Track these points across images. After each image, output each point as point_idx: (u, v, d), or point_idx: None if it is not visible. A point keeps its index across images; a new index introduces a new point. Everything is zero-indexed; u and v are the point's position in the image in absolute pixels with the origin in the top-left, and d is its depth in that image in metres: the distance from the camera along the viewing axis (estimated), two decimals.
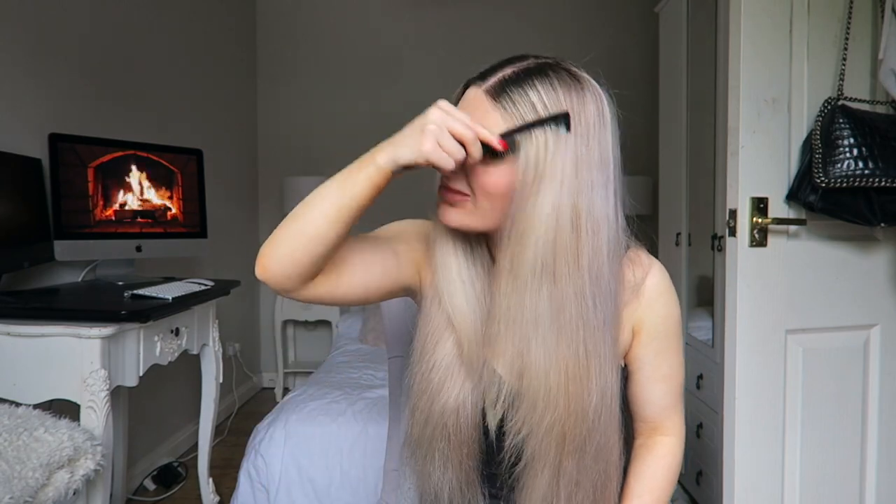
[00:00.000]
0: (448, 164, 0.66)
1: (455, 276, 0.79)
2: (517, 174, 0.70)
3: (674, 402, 0.89)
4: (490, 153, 0.70)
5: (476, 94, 0.73)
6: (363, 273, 0.77)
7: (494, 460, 0.81)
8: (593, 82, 0.74)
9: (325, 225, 0.68)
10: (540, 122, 0.69)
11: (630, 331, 0.84)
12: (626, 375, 0.86)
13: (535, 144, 0.69)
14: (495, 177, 0.71)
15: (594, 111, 0.72)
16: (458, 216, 0.75)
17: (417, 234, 0.85)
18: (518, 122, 0.69)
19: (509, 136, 0.69)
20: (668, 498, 0.88)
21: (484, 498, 0.82)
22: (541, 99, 0.70)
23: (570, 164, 0.69)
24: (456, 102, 0.77)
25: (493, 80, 0.72)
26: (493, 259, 0.81)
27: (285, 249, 0.69)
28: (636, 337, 0.84)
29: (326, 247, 0.69)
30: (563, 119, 0.69)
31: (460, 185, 0.74)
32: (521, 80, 0.71)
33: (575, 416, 0.73)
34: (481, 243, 0.81)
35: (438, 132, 0.65)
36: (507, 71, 0.72)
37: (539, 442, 0.74)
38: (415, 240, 0.84)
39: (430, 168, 0.69)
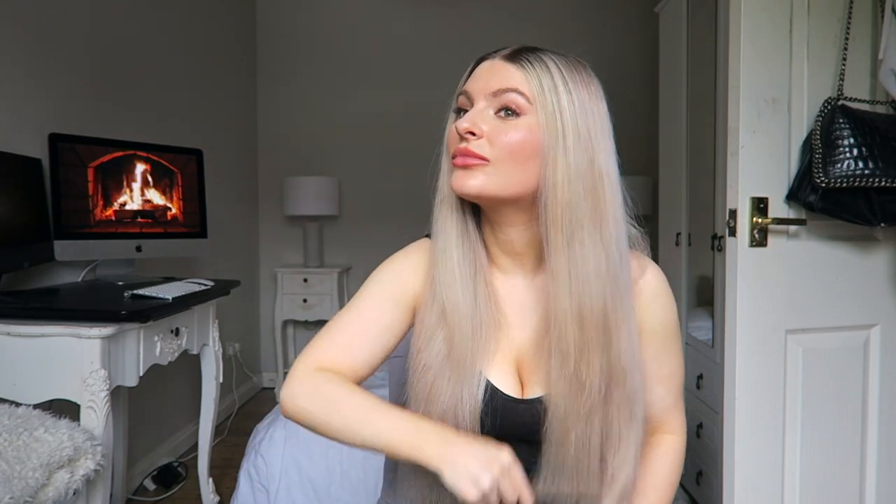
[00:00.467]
0: None
1: (454, 267, 0.79)
2: (541, 132, 0.72)
3: (675, 400, 0.89)
4: (507, 113, 0.73)
5: (492, 63, 0.76)
6: (380, 359, 0.82)
7: None
8: (597, 82, 0.77)
9: (355, 446, 0.71)
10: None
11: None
12: None
13: (557, 102, 0.72)
14: (520, 135, 0.72)
15: (598, 92, 0.76)
16: (477, 181, 0.73)
17: (403, 282, 0.84)
18: (536, 82, 0.72)
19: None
20: (672, 495, 0.87)
21: None
22: (555, 64, 0.73)
23: (591, 125, 0.73)
24: (466, 79, 0.78)
25: (506, 51, 0.76)
26: (488, 255, 0.83)
27: (316, 430, 0.74)
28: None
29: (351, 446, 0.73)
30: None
31: (480, 149, 0.73)
32: (534, 49, 0.75)
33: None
34: (478, 239, 0.82)
35: (489, 491, 0.64)
36: (505, 52, 0.76)
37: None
38: (402, 293, 0.83)
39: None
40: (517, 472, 0.67)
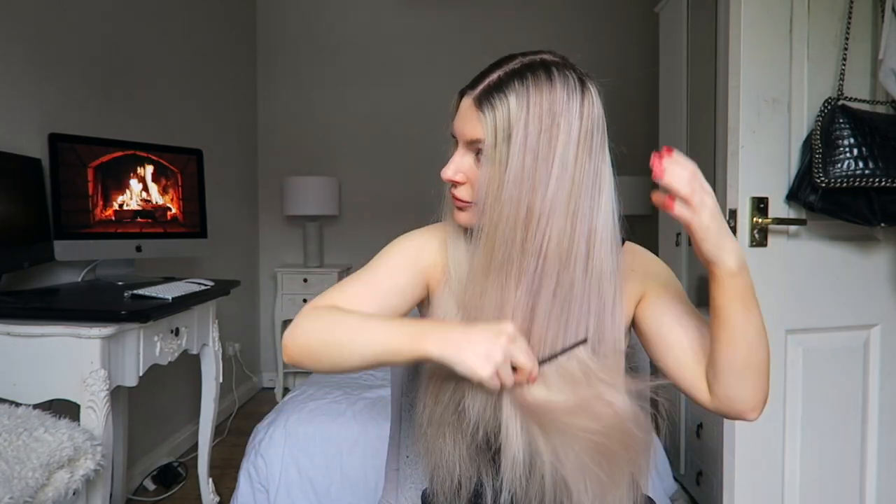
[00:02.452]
0: (496, 389, 0.68)
1: (465, 260, 0.82)
2: (483, 174, 0.75)
3: None
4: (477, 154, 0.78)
5: (467, 105, 0.78)
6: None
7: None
8: (572, 78, 0.75)
9: (360, 366, 0.73)
10: (563, 350, 0.75)
11: (634, 301, 0.87)
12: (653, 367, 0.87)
13: (504, 154, 0.74)
14: (479, 179, 0.77)
15: (565, 106, 0.74)
16: (466, 217, 0.82)
17: (419, 249, 0.87)
18: (491, 134, 0.75)
19: (544, 362, 0.74)
20: (758, 340, 0.79)
21: (492, 466, 0.83)
22: (517, 102, 0.73)
23: (528, 160, 0.73)
24: (454, 113, 0.82)
25: (480, 87, 0.77)
26: None
27: (321, 367, 0.75)
28: (644, 298, 0.86)
29: (358, 370, 0.74)
30: (584, 342, 0.76)
31: (464, 195, 0.80)
32: (501, 85, 0.75)
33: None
34: None
35: (502, 364, 0.66)
36: (493, 77, 0.76)
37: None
38: (416, 260, 0.86)
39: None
40: (523, 341, 0.69)
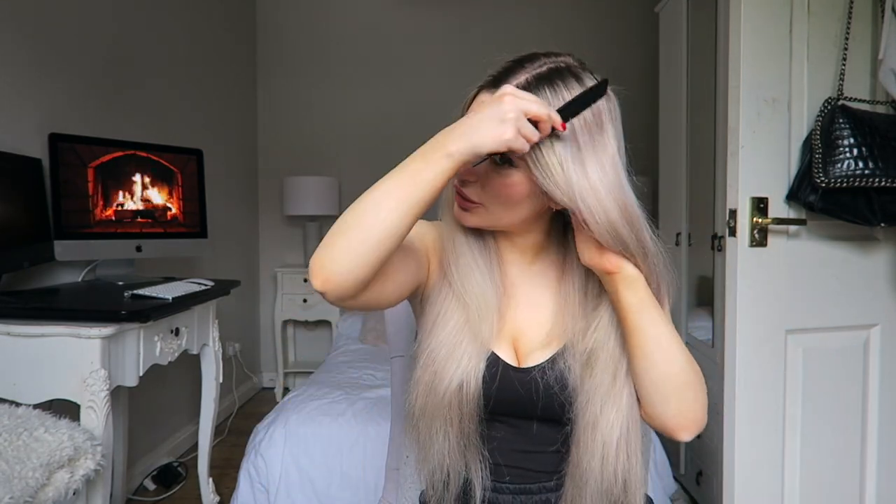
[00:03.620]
0: (525, 147, 0.66)
1: (470, 260, 0.82)
2: (535, 179, 0.72)
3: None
4: (501, 160, 0.73)
5: (488, 99, 0.74)
6: (403, 275, 0.77)
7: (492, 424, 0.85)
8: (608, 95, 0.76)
9: (396, 220, 0.65)
10: (584, 95, 0.71)
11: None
12: None
13: (546, 155, 0.71)
14: (511, 187, 0.75)
15: (605, 107, 0.74)
16: (474, 219, 0.80)
17: (426, 229, 0.87)
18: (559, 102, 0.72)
19: (566, 110, 0.70)
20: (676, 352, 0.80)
21: (482, 459, 0.83)
22: (547, 95, 0.72)
23: (588, 150, 0.72)
24: (467, 107, 0.79)
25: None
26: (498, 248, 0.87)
27: (353, 254, 0.65)
28: None
29: (396, 244, 0.67)
30: (603, 86, 0.72)
31: (473, 195, 0.78)
32: (531, 89, 0.72)
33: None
34: (491, 234, 0.85)
35: (518, 119, 0.64)
36: (521, 79, 0.73)
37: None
38: (423, 237, 0.86)
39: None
40: (526, 94, 0.66)
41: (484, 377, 0.79)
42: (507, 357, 0.83)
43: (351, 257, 0.65)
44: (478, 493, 0.82)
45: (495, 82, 0.75)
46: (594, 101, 0.71)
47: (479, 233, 0.83)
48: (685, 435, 0.78)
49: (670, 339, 0.76)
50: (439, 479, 0.82)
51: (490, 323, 0.80)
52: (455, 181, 0.80)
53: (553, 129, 0.68)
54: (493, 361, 0.81)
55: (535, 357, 0.82)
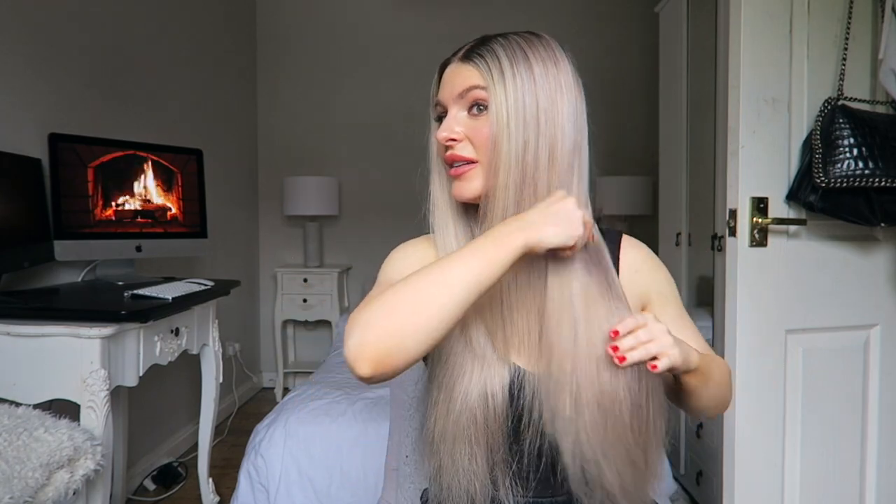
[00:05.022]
0: (582, 244, 0.72)
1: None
2: (492, 123, 0.74)
3: (709, 350, 0.87)
4: (479, 108, 0.77)
5: (453, 67, 0.79)
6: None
7: (520, 448, 0.79)
8: (556, 47, 0.78)
9: (457, 311, 0.64)
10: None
11: (638, 307, 0.85)
12: None
13: (505, 90, 0.74)
14: (485, 129, 0.76)
15: (555, 66, 0.76)
16: (473, 184, 0.78)
17: (418, 255, 0.85)
18: (487, 74, 0.75)
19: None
20: (723, 381, 0.84)
21: (512, 475, 0.79)
22: (502, 48, 0.75)
23: (542, 104, 0.74)
24: (436, 88, 0.82)
25: (461, 51, 0.79)
26: None
27: (409, 342, 0.62)
28: (647, 308, 0.86)
29: (450, 331, 0.66)
30: None
31: (466, 152, 0.78)
32: (484, 41, 0.78)
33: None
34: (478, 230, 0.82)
35: (586, 217, 0.70)
36: (472, 42, 0.79)
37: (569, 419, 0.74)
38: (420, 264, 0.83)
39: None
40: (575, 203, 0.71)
41: (510, 388, 0.76)
42: (531, 364, 0.78)
43: (408, 344, 0.62)
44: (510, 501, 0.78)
45: (452, 55, 0.80)
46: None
47: (469, 233, 0.82)
48: (717, 415, 0.86)
49: (718, 372, 0.81)
50: (463, 501, 0.77)
51: (494, 333, 0.77)
52: (442, 155, 0.80)
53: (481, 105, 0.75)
54: (519, 374, 0.77)
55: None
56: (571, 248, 0.70)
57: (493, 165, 0.74)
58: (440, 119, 0.81)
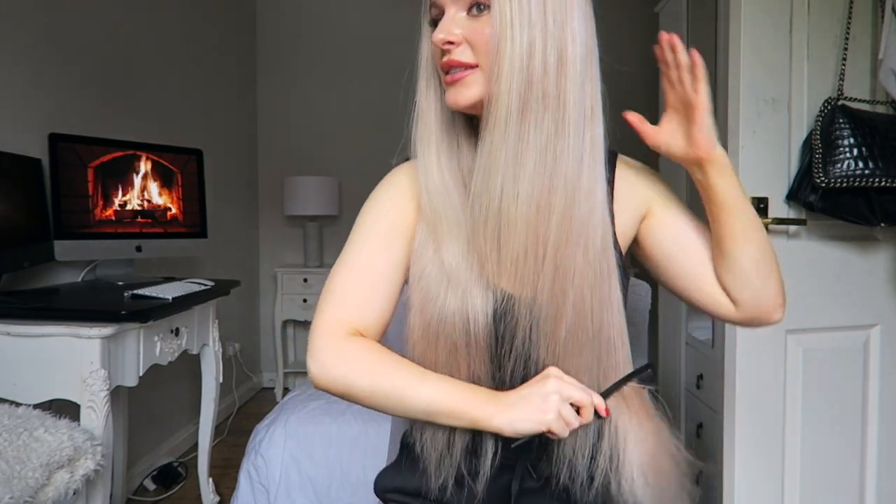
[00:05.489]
0: (565, 432, 0.66)
1: (437, 180, 0.75)
2: (494, 22, 0.68)
3: None
4: (479, 7, 0.70)
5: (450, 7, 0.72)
6: (394, 303, 0.79)
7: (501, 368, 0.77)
8: None
9: (397, 413, 0.71)
10: (628, 377, 0.74)
11: (639, 214, 0.81)
12: (655, 282, 0.83)
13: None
14: (486, 29, 0.69)
15: None
16: (471, 91, 0.71)
17: (396, 204, 0.80)
18: None
19: (608, 394, 0.72)
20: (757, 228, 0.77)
21: None
22: None
23: (541, 6, 0.67)
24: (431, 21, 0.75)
25: None
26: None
27: (352, 400, 0.72)
28: (650, 214, 0.81)
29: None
30: (647, 371, 0.75)
31: (465, 56, 0.71)
32: None
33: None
34: (472, 141, 0.78)
35: (560, 403, 0.66)
36: None
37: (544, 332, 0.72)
38: (398, 219, 0.78)
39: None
40: (571, 379, 0.68)
41: (495, 313, 0.72)
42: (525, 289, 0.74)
43: (345, 396, 0.72)
44: (490, 442, 0.75)
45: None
46: (636, 378, 0.74)
47: (453, 157, 0.77)
48: (780, 313, 0.80)
49: (760, 219, 0.76)
50: (441, 438, 0.76)
51: (476, 254, 0.72)
52: (438, 62, 0.74)
53: (595, 411, 0.68)
54: (504, 299, 0.73)
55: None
56: (551, 433, 0.66)
57: (496, 70, 0.67)
58: (435, 23, 0.74)
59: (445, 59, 0.72)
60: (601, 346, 0.73)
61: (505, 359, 0.74)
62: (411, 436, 0.83)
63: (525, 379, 0.72)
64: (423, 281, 0.74)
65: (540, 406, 0.65)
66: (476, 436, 0.75)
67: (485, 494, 0.76)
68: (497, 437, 0.74)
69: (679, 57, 0.72)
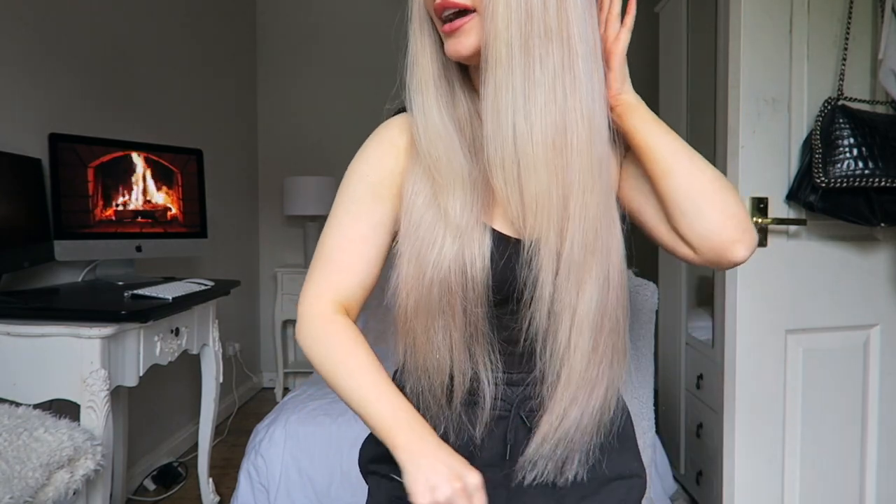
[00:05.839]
0: None
1: (437, 123, 0.72)
2: None
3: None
4: None
5: None
6: (380, 265, 0.77)
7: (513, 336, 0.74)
8: None
9: (346, 404, 0.72)
10: None
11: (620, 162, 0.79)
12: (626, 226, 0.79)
13: None
14: None
15: None
16: (471, 39, 0.68)
17: (382, 162, 0.77)
18: None
19: None
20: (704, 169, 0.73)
21: (492, 348, 0.74)
22: None
23: None
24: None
25: None
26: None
27: (322, 377, 0.74)
28: (624, 158, 0.80)
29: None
30: None
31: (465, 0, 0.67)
32: None
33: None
34: (467, 101, 0.76)
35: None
36: None
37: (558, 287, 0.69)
38: (382, 180, 0.76)
39: None
40: (480, 499, 0.63)
41: (492, 255, 0.70)
42: (507, 230, 0.73)
43: (318, 373, 0.74)
44: (488, 391, 0.73)
45: None
46: None
47: (449, 102, 0.74)
48: (741, 249, 0.69)
49: (692, 152, 0.71)
50: (440, 384, 0.73)
51: (472, 200, 0.70)
52: (431, 6, 0.70)
53: None
54: (496, 241, 0.71)
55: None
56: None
57: (490, 7, 0.64)
58: None
59: (443, 8, 0.67)
60: (618, 307, 0.72)
61: (525, 308, 0.71)
62: (401, 384, 0.80)
63: (531, 325, 0.70)
64: (419, 230, 0.71)
65: (424, 488, 0.62)
66: (474, 383, 0.74)
67: (483, 444, 0.76)
68: (496, 385, 0.74)
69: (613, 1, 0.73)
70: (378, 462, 0.82)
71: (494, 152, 0.67)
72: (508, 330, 0.74)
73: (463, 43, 0.68)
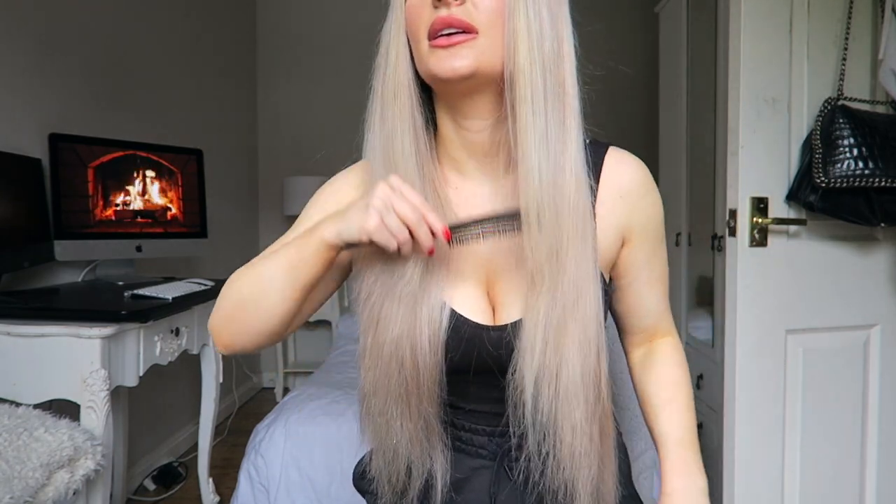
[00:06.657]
0: (391, 244, 0.59)
1: (410, 157, 0.68)
2: None
3: (666, 304, 0.82)
4: None
5: None
6: (321, 292, 0.73)
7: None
8: None
9: (283, 304, 0.64)
10: (490, 219, 0.64)
11: (619, 238, 0.74)
12: (610, 291, 0.78)
13: None
14: None
15: None
16: (468, 60, 0.61)
17: (345, 194, 0.74)
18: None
19: (457, 229, 0.63)
20: (691, 391, 0.82)
21: (445, 444, 0.70)
22: None
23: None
24: None
25: None
26: (445, 161, 0.73)
27: (246, 330, 0.66)
28: (627, 244, 0.75)
29: (288, 317, 0.66)
30: (514, 216, 0.63)
31: (465, 15, 0.61)
32: None
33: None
34: (427, 144, 0.72)
35: (384, 209, 0.58)
36: None
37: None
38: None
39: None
40: (408, 188, 0.60)
41: (444, 340, 0.65)
42: (474, 311, 0.68)
43: (246, 332, 0.66)
44: (439, 485, 0.69)
45: None
46: (500, 220, 0.64)
47: (415, 147, 0.69)
48: None
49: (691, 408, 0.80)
50: (395, 471, 0.69)
51: (428, 268, 0.64)
52: (423, 20, 0.64)
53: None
54: (454, 320, 0.66)
55: (512, 308, 0.67)
56: (374, 242, 0.59)
57: (511, 42, 0.61)
58: None
59: (443, 14, 0.61)
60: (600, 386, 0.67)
61: (471, 381, 0.68)
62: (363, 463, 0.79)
63: (501, 402, 0.65)
64: (371, 298, 0.66)
65: (362, 212, 0.59)
66: (430, 480, 0.70)
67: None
68: (447, 479, 0.70)
69: None
70: (371, 481, 0.81)
71: (527, 196, 0.62)
72: (482, 399, 0.72)
73: (462, 60, 0.61)
